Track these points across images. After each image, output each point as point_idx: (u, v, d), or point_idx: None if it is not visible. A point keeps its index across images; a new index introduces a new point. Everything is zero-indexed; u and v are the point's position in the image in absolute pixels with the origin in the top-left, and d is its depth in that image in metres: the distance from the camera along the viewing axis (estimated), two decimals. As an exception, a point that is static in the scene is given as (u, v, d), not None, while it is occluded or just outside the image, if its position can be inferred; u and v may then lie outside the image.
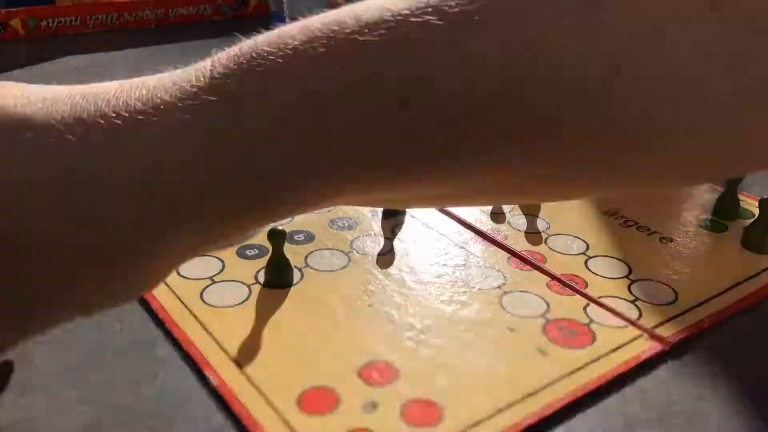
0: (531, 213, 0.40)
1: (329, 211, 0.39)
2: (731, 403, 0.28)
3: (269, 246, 0.35)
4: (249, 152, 0.21)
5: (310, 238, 0.37)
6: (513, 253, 0.36)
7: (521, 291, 0.33)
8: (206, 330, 0.30)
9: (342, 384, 0.27)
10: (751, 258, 0.37)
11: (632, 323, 0.31)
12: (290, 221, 0.38)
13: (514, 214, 0.40)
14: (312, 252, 0.35)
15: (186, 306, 0.31)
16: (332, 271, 0.34)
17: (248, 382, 0.27)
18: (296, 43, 0.21)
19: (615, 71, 0.20)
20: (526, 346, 0.30)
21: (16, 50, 0.65)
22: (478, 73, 0.20)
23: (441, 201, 0.30)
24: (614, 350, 0.29)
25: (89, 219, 0.20)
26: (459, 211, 0.40)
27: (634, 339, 0.30)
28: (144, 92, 0.21)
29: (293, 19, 0.22)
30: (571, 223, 0.39)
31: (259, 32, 0.22)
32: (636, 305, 0.32)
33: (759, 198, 0.37)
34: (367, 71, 0.20)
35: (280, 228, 0.33)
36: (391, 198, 0.26)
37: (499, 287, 0.33)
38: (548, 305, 0.32)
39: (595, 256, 0.36)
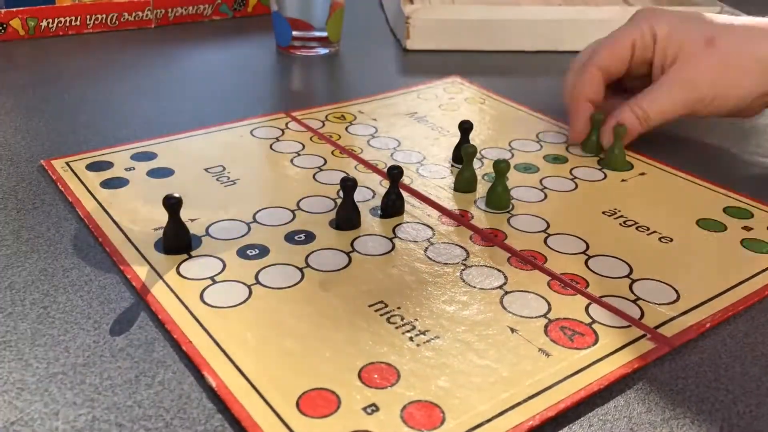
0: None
1: (329, 211, 0.39)
2: (734, 404, 0.27)
3: (269, 246, 0.35)
4: None
5: (310, 238, 0.36)
6: (513, 253, 0.36)
7: (522, 291, 0.33)
8: (206, 331, 0.30)
9: (342, 386, 0.27)
10: (751, 257, 0.36)
11: (635, 323, 0.31)
12: (291, 220, 0.38)
13: (514, 214, 0.40)
14: (312, 252, 0.35)
15: (186, 306, 0.31)
16: (333, 271, 0.34)
17: (248, 383, 0.27)
18: None
19: None
20: (528, 347, 0.29)
21: (16, 50, 0.65)
22: None
23: None
24: (617, 350, 0.29)
25: None
26: (458, 210, 0.40)
27: (637, 339, 0.30)
28: None
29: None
30: (570, 223, 0.39)
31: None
32: (638, 305, 0.32)
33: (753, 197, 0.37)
34: None
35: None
36: None
37: (500, 287, 0.33)
38: (549, 305, 0.32)
39: (596, 256, 0.36)
